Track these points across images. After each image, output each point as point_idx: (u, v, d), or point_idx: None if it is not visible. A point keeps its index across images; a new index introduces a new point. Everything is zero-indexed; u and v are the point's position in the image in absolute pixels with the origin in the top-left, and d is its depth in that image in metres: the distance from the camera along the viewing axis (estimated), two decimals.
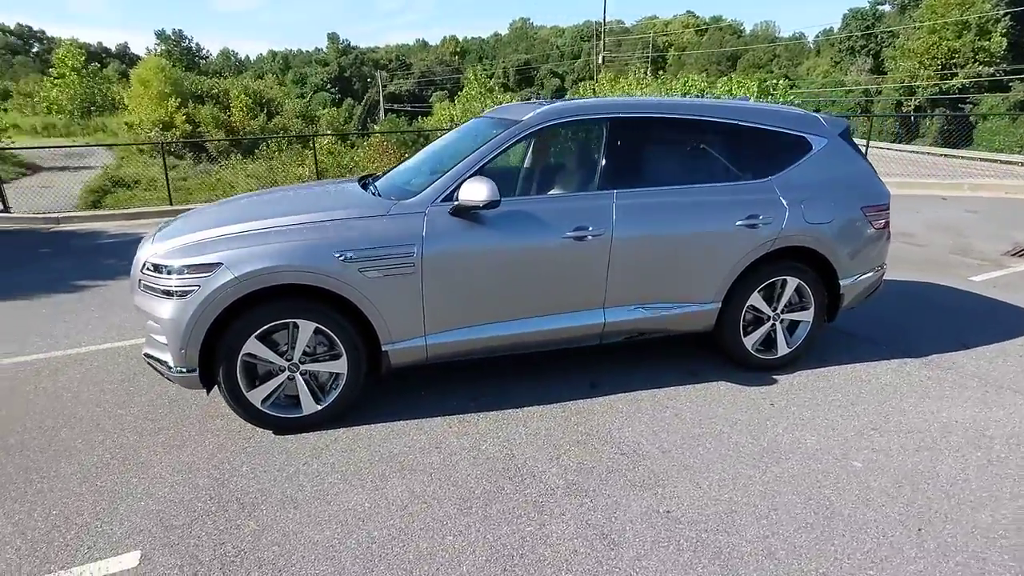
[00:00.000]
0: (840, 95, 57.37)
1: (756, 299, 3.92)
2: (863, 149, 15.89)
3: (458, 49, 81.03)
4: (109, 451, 3.22)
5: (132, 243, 5.73)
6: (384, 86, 64.40)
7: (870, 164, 4.21)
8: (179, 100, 26.10)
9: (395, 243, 3.25)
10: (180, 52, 70.90)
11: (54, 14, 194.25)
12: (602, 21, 44.16)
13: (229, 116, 26.77)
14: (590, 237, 3.49)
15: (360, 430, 3.38)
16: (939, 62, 40.65)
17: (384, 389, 3.83)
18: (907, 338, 4.64)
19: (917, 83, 42.47)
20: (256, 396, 3.26)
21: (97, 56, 65.86)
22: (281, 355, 3.26)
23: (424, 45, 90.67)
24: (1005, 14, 38.45)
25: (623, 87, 27.87)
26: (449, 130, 5.85)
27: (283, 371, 3.29)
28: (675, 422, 3.46)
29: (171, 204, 11.82)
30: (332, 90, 66.36)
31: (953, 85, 40.04)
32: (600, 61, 48.21)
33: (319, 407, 3.37)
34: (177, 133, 23.57)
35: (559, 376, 4.02)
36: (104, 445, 3.28)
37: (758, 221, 3.74)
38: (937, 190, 11.67)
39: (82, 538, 2.57)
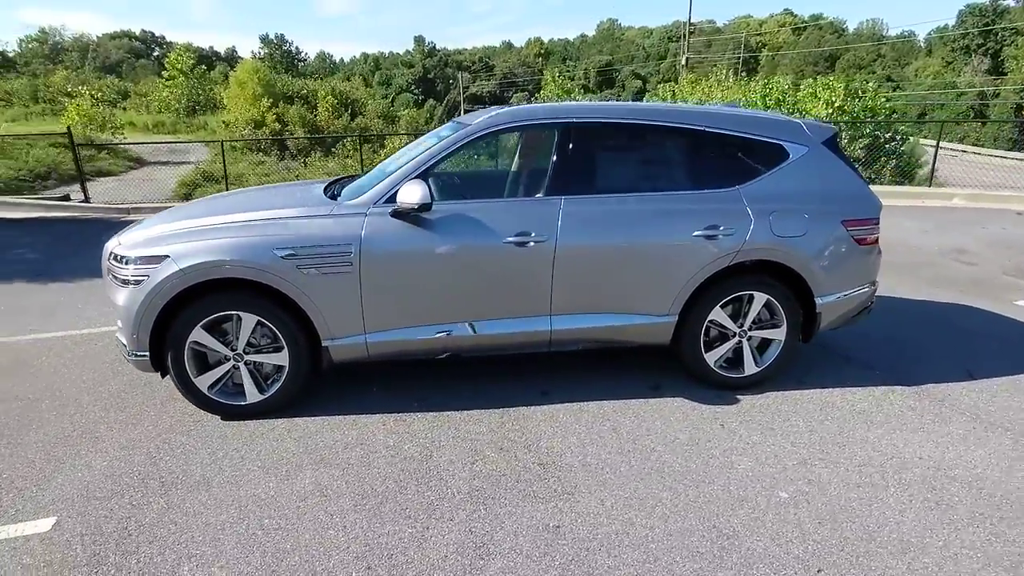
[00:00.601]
0: (952, 97, 53.08)
1: (719, 314, 3.74)
2: (960, 153, 14.74)
3: (542, 51, 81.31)
4: (74, 424, 3.52)
5: None
6: (466, 88, 65.58)
7: (858, 174, 3.91)
8: (271, 100, 27.69)
9: (334, 242, 3.35)
10: (280, 55, 75.23)
11: (177, 20, 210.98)
12: (687, 21, 43.09)
13: (315, 116, 28.20)
14: (532, 243, 3.45)
15: (299, 421, 3.51)
16: None
17: (337, 383, 3.95)
18: (907, 364, 4.28)
19: None
20: (203, 382, 3.45)
21: (208, 59, 70.91)
22: (227, 345, 3.44)
23: (509, 47, 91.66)
24: None
25: (703, 89, 27.07)
26: None
27: (228, 360, 3.47)
28: (610, 436, 3.37)
29: None
30: (415, 91, 68.32)
31: None
32: (683, 62, 47.05)
33: (262, 396, 3.52)
34: (267, 131, 25.07)
35: (513, 381, 4.00)
36: (73, 419, 3.58)
37: (718, 232, 3.57)
38: (1016, 204, 10.59)
39: (15, 501, 2.82)
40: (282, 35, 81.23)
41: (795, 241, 3.65)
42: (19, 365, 4.36)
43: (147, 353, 3.36)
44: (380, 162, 4.55)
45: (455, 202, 3.58)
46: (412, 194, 3.28)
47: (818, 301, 3.77)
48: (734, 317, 3.79)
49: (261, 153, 22.99)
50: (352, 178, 4.49)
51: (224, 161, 13.28)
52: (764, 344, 3.89)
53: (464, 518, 2.70)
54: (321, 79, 43.50)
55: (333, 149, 21.57)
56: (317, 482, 2.95)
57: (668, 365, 4.16)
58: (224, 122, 29.53)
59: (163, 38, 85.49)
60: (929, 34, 71.83)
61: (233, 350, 3.45)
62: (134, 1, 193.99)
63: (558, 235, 3.47)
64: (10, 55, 68.95)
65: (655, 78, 68.38)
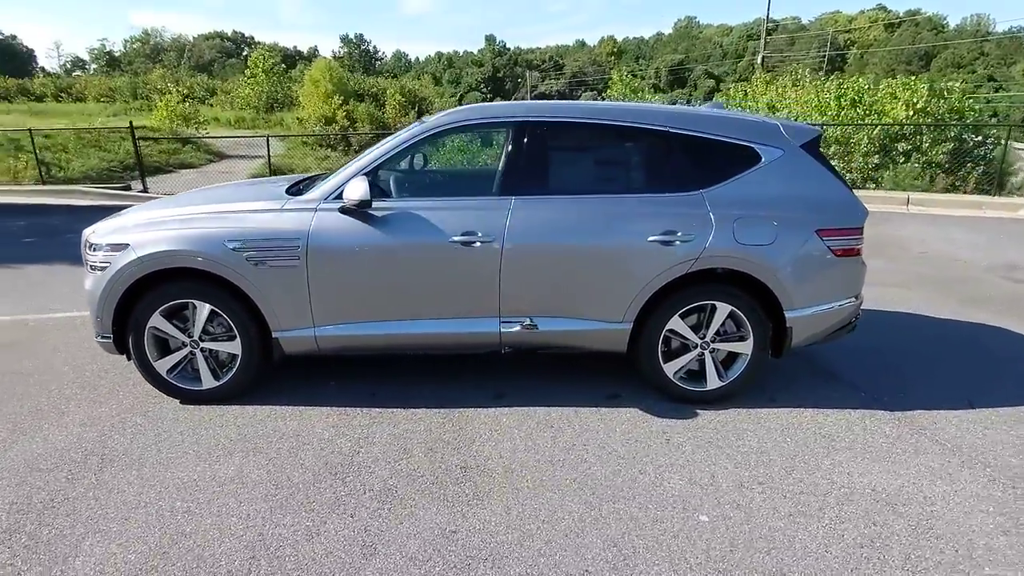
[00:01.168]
0: None
1: (678, 323, 3.57)
2: None
3: (615, 49, 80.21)
4: (49, 399, 3.75)
5: None
6: (534, 86, 65.62)
7: (841, 180, 3.63)
8: (342, 98, 28.64)
9: (282, 236, 3.42)
10: (359, 54, 77.77)
11: (269, 20, 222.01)
12: (765, 17, 41.46)
13: (383, 113, 28.98)
14: (478, 243, 3.40)
15: (249, 409, 3.61)
16: None
17: (299, 376, 4.04)
18: (900, 387, 3.95)
19: None
20: (162, 366, 3.61)
21: (291, 58, 74.29)
22: (185, 332, 3.58)
23: (582, 46, 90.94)
24: None
25: (777, 89, 25.94)
26: None
27: (186, 346, 3.61)
28: (547, 444, 3.28)
29: None
30: (484, 90, 69.08)
31: None
32: (759, 61, 45.28)
33: (217, 383, 3.64)
34: (336, 127, 25.99)
35: (472, 382, 3.97)
36: (50, 394, 3.82)
37: (675, 237, 3.41)
38: None
39: None
40: (361, 35, 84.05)
41: (761, 250, 3.44)
42: (31, 341, 4.70)
43: (111, 336, 3.54)
44: None
45: (404, 200, 3.59)
46: (354, 191, 3.31)
47: (788, 315, 3.54)
48: (696, 328, 3.61)
49: (328, 148, 23.84)
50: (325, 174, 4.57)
51: (268, 155, 13.81)
52: (731, 358, 3.68)
53: (365, 516, 2.70)
54: (394, 77, 44.71)
55: None
56: (240, 469, 3.03)
57: (633, 374, 4.01)
58: (298, 118, 30.80)
59: (252, 38, 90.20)
60: None
61: (190, 337, 3.59)
62: (231, 2, 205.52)
63: (505, 236, 3.41)
64: (116, 55, 74.57)
65: (731, 77, 66.13)
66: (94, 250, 3.55)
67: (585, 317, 3.55)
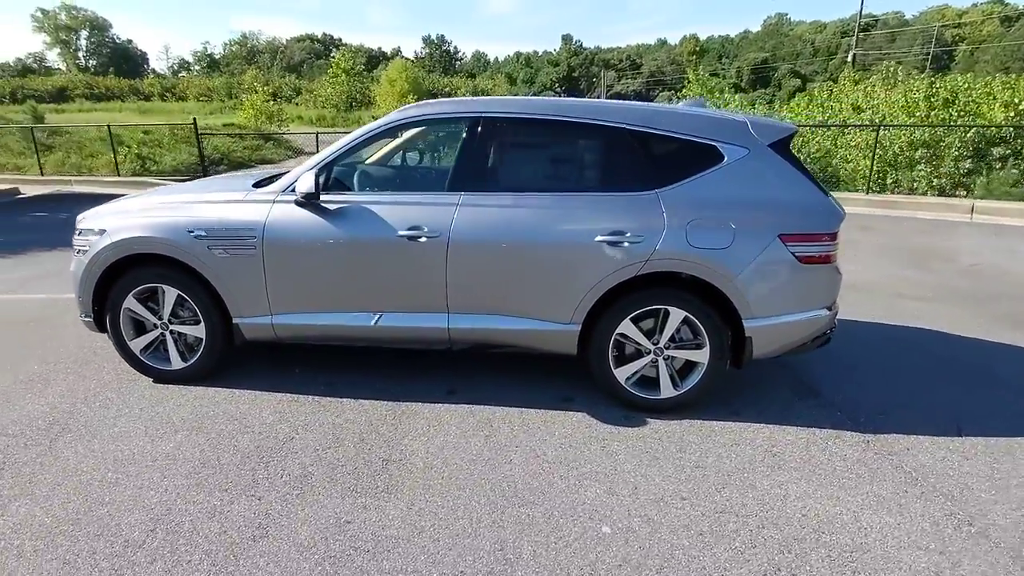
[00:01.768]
0: None
1: (629, 328, 3.44)
2: None
3: (697, 48, 77.79)
4: (45, 371, 4.06)
5: None
6: (610, 86, 64.80)
7: (814, 181, 3.37)
8: (416, 97, 29.43)
9: (241, 226, 3.56)
10: (439, 54, 79.43)
11: (357, 24, 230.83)
12: (859, 12, 39.16)
13: None
14: (424, 239, 3.41)
15: (211, 390, 3.78)
16: None
17: (269, 360, 4.18)
18: (884, 408, 3.64)
19: None
20: (136, 345, 3.84)
21: (376, 59, 76.87)
22: (155, 315, 3.79)
23: (662, 44, 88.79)
24: None
25: (865, 88, 24.41)
26: None
27: (156, 328, 3.82)
28: (479, 442, 3.25)
29: None
30: (558, 89, 68.84)
31: None
32: (849, 58, 42.80)
33: (184, 364, 3.84)
34: None
35: (427, 376, 3.98)
36: (49, 366, 4.14)
37: (624, 238, 3.29)
38: None
39: None
40: (442, 35, 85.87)
41: (715, 254, 3.26)
42: (53, 319, 5.11)
43: (91, 316, 3.79)
44: None
45: (358, 193, 3.64)
46: (303, 184, 3.40)
47: (747, 324, 3.33)
48: (651, 333, 3.47)
49: None
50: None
51: (309, 142, 14.19)
52: (690, 367, 3.51)
53: (272, 499, 2.76)
54: (471, 77, 45.38)
55: None
56: (178, 447, 3.17)
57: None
58: (374, 116, 31.90)
59: (340, 40, 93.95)
60: None
61: (160, 320, 3.79)
62: (325, 5, 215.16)
63: (451, 232, 3.40)
64: (216, 57, 79.71)
65: (820, 77, 62.72)
66: (79, 234, 3.81)
67: (532, 316, 3.49)
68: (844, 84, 27.80)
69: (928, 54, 64.63)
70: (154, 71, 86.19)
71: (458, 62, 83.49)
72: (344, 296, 3.59)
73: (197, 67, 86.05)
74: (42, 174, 13.48)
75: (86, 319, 3.82)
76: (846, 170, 13.59)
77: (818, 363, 4.22)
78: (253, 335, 3.74)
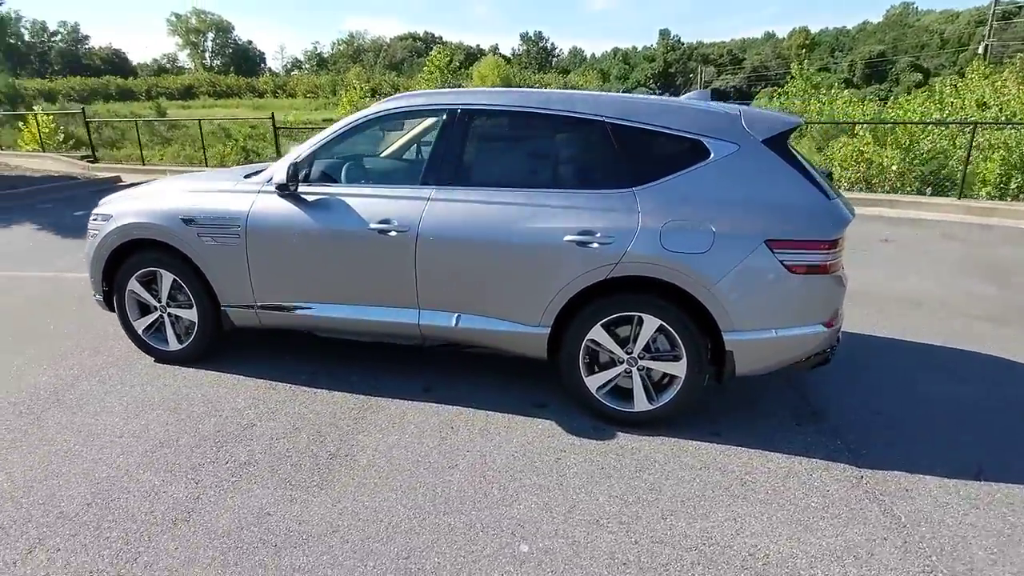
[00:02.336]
0: None
1: (600, 334, 3.22)
2: None
3: (806, 41, 72.96)
4: (64, 346, 4.36)
5: None
6: (708, 82, 62.24)
7: (812, 181, 3.00)
8: None
9: (226, 215, 3.65)
10: (536, 51, 79.62)
11: (460, 22, 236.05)
12: None
13: None
14: (393, 232, 3.35)
15: (200, 373, 3.91)
16: None
17: (269, 346, 4.28)
18: (893, 443, 3.20)
19: None
20: (139, 325, 4.04)
21: (473, 56, 78.16)
22: (155, 298, 3.97)
23: (769, 38, 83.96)
24: None
25: (994, 83, 21.99)
26: None
27: (156, 310, 4.00)
28: (432, 444, 3.15)
29: None
30: (652, 86, 66.96)
31: None
32: (980, 50, 38.82)
33: (180, 347, 4.00)
34: None
35: (408, 372, 3.93)
36: (71, 341, 4.45)
37: (594, 239, 3.07)
38: None
39: None
40: (539, 32, 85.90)
41: (692, 258, 2.98)
42: (61, 295, 5.49)
43: (101, 295, 4.03)
44: None
45: (336, 185, 3.62)
46: (279, 174, 3.44)
47: (727, 337, 3.03)
48: (625, 342, 3.23)
49: None
50: None
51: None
52: (668, 380, 3.25)
53: (207, 484, 2.80)
54: (564, 73, 45.17)
55: None
56: (147, 425, 3.30)
57: None
58: None
59: (440, 38, 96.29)
60: None
61: (159, 302, 3.97)
62: (430, 5, 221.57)
63: (420, 226, 3.32)
64: (324, 56, 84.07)
65: (948, 71, 57.10)
66: (94, 218, 4.06)
67: (502, 317, 3.35)
68: (972, 78, 25.09)
69: None
70: (270, 70, 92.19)
71: (554, 59, 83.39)
72: (320, 287, 3.60)
73: (307, 66, 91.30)
74: (143, 164, 14.69)
75: (97, 298, 4.07)
76: (965, 171, 11.98)
77: (833, 383, 3.80)
78: (240, 322, 3.84)
